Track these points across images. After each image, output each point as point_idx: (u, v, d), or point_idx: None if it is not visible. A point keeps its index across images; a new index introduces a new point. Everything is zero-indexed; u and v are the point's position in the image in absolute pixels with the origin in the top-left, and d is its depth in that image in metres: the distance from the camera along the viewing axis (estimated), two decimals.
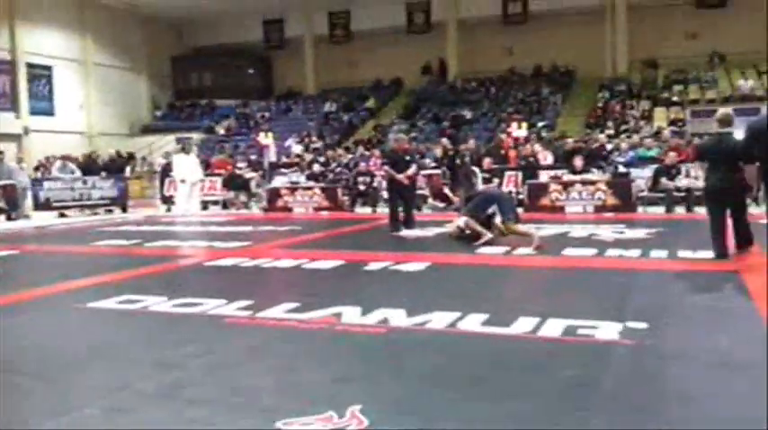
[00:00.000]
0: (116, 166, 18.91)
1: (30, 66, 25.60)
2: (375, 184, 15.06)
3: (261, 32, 31.07)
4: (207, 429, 2.75)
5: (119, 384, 3.29)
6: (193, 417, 2.85)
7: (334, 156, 18.14)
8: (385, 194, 14.79)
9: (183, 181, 16.02)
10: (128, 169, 20.82)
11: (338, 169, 16.87)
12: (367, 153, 18.76)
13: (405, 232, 9.91)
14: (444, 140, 17.04)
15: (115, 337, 4.40)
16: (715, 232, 6.69)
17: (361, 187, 15.55)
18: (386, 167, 10.52)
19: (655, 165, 13.40)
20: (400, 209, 10.19)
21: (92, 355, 3.93)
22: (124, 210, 16.50)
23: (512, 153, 16.03)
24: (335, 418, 2.75)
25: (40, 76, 26.13)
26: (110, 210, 16.25)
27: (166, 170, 17.60)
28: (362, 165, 16.71)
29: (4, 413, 2.96)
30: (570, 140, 17.01)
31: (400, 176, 9.94)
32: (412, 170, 10.17)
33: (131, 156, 25.25)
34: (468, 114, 24.83)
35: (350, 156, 18.70)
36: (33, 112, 25.62)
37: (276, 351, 3.95)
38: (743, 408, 2.84)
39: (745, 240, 6.74)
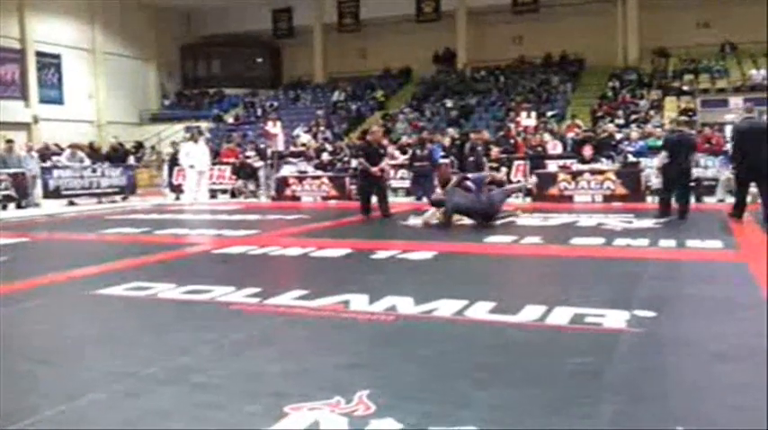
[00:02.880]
0: (118, 156, 18.95)
1: (39, 54, 25.68)
2: None
3: (269, 21, 30.97)
4: (215, 414, 2.77)
5: (127, 370, 3.31)
6: (201, 402, 2.87)
7: (341, 147, 18.06)
8: (393, 184, 14.92)
9: (191, 166, 16.04)
10: (131, 158, 20.80)
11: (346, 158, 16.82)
12: None
13: (412, 221, 10.02)
14: (451, 130, 16.97)
15: (124, 324, 4.44)
16: (665, 203, 9.44)
17: None
18: (361, 160, 11.05)
19: None
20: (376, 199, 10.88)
21: (100, 341, 3.96)
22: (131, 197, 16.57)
23: (520, 142, 15.96)
24: (343, 403, 2.76)
25: (50, 64, 26.21)
26: (124, 198, 16.33)
27: (174, 159, 17.63)
28: None
29: (13, 397, 2.99)
30: (579, 129, 16.92)
31: (374, 169, 10.66)
32: (383, 163, 10.95)
33: (140, 145, 25.29)
34: (476, 103, 24.71)
35: None
36: (43, 101, 25.73)
37: (284, 337, 3.97)
38: (749, 397, 2.83)
39: (683, 213, 9.25)
